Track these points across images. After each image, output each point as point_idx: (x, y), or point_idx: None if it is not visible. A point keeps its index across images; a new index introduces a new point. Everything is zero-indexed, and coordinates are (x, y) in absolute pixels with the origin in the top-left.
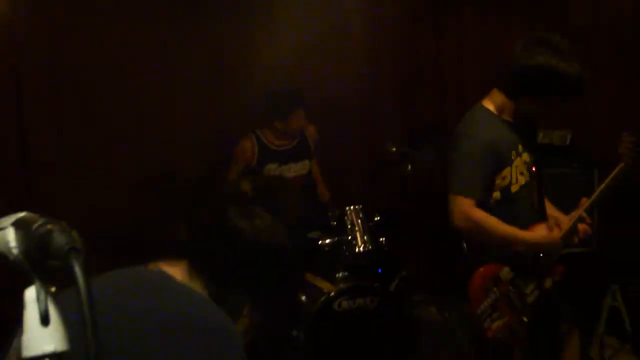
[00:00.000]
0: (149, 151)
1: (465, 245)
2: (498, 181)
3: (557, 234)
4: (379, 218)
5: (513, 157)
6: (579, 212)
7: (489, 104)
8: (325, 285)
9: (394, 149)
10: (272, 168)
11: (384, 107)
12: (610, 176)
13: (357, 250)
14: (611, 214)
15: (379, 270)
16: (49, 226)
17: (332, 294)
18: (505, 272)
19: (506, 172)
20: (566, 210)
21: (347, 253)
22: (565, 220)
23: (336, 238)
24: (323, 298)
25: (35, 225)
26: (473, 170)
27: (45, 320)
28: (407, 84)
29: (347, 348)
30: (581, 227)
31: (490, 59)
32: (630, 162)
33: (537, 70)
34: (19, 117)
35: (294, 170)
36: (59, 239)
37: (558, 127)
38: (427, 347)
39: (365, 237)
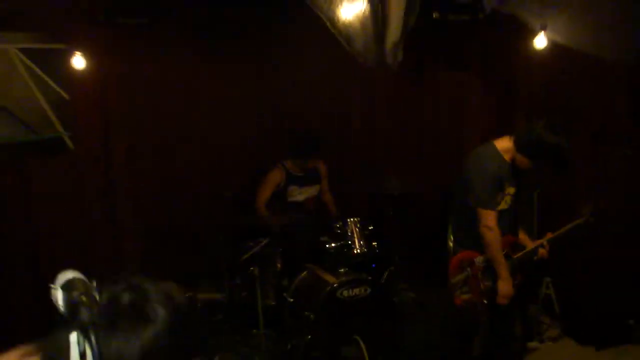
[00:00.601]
0: (204, 176)
1: (452, 238)
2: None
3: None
4: (372, 227)
5: (506, 187)
6: (542, 241)
7: (499, 144)
8: (330, 278)
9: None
10: (293, 189)
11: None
12: (569, 225)
13: (355, 251)
14: (546, 223)
15: (373, 266)
16: (82, 297)
17: (336, 285)
18: (480, 259)
19: (499, 199)
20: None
21: (347, 253)
22: (529, 244)
23: (340, 242)
24: (329, 288)
25: (73, 294)
26: (491, 191)
27: (83, 356)
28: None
29: (347, 325)
30: (541, 250)
31: None
32: (585, 221)
33: (545, 147)
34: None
35: (308, 191)
36: (83, 314)
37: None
38: (406, 322)
39: (361, 242)
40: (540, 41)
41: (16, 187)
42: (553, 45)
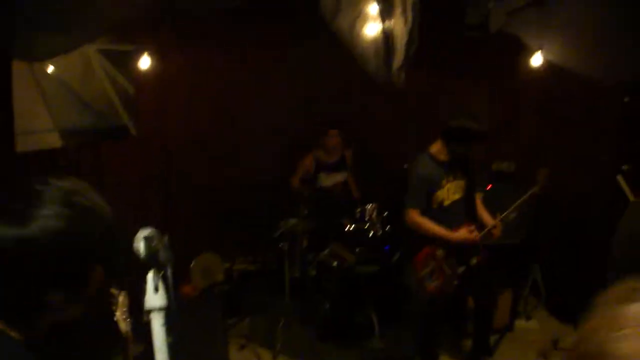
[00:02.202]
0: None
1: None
2: (435, 198)
3: (473, 235)
4: (387, 213)
5: (444, 184)
6: (495, 222)
7: (432, 148)
8: (348, 256)
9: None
10: (322, 175)
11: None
12: (524, 197)
13: (371, 234)
14: (537, 217)
15: (386, 248)
16: (159, 245)
17: (353, 262)
18: (440, 252)
19: (439, 193)
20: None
21: (364, 235)
22: (489, 223)
23: (358, 224)
24: (347, 265)
25: (153, 243)
26: (416, 192)
27: (156, 290)
28: None
29: (360, 297)
30: (494, 231)
31: None
32: (540, 189)
33: (459, 128)
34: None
35: (335, 178)
36: (161, 256)
37: (507, 160)
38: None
39: (377, 225)
40: (536, 59)
41: (92, 163)
42: (548, 64)
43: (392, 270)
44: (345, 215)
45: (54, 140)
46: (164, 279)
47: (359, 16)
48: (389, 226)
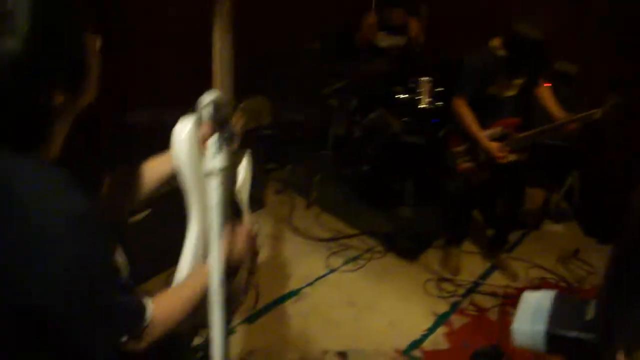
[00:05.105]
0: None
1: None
2: (487, 92)
3: (502, 153)
4: (442, 89)
5: (499, 79)
6: (548, 126)
7: (493, 42)
8: (395, 124)
9: None
10: (381, 34)
11: None
12: (584, 114)
13: (421, 105)
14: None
15: (433, 121)
16: (224, 108)
17: (399, 130)
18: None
19: (492, 87)
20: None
21: (414, 105)
22: (559, 117)
23: (410, 94)
24: (392, 131)
25: (218, 106)
26: (467, 82)
27: (218, 151)
28: None
29: (401, 166)
30: (569, 126)
31: None
32: (602, 114)
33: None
34: None
35: (394, 40)
36: (226, 116)
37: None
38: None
39: (428, 99)
40: None
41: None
42: None
43: (436, 145)
44: (397, 82)
45: None
46: (225, 140)
47: None
48: (440, 102)
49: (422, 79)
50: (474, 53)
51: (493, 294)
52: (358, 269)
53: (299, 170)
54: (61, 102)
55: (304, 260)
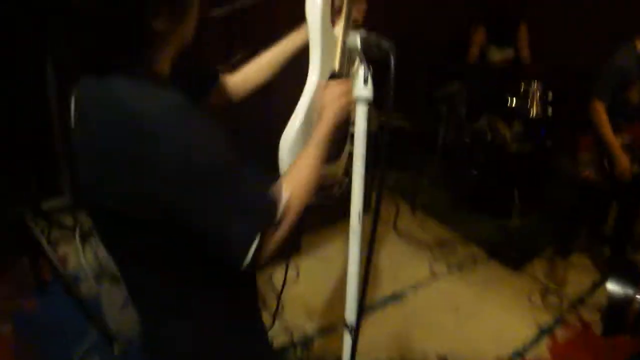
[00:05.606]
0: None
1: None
2: (626, 96)
3: (628, 172)
4: (552, 96)
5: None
6: None
7: (636, 43)
8: (505, 131)
9: None
10: (492, 48)
11: None
12: None
13: (531, 114)
14: None
15: (542, 132)
16: (374, 42)
17: (508, 138)
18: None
19: (632, 92)
20: None
21: (524, 112)
22: None
23: (520, 100)
24: (501, 139)
25: (369, 40)
26: (606, 83)
27: (365, 82)
28: None
29: (509, 174)
30: None
31: None
32: None
33: None
34: None
35: (505, 52)
36: (384, 44)
37: None
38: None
39: (539, 108)
40: None
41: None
42: None
43: (545, 154)
44: (509, 90)
45: None
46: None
47: None
48: (550, 109)
49: (535, 82)
50: (617, 50)
51: (600, 310)
52: (461, 275)
53: (404, 175)
54: (163, 29)
55: (407, 264)
